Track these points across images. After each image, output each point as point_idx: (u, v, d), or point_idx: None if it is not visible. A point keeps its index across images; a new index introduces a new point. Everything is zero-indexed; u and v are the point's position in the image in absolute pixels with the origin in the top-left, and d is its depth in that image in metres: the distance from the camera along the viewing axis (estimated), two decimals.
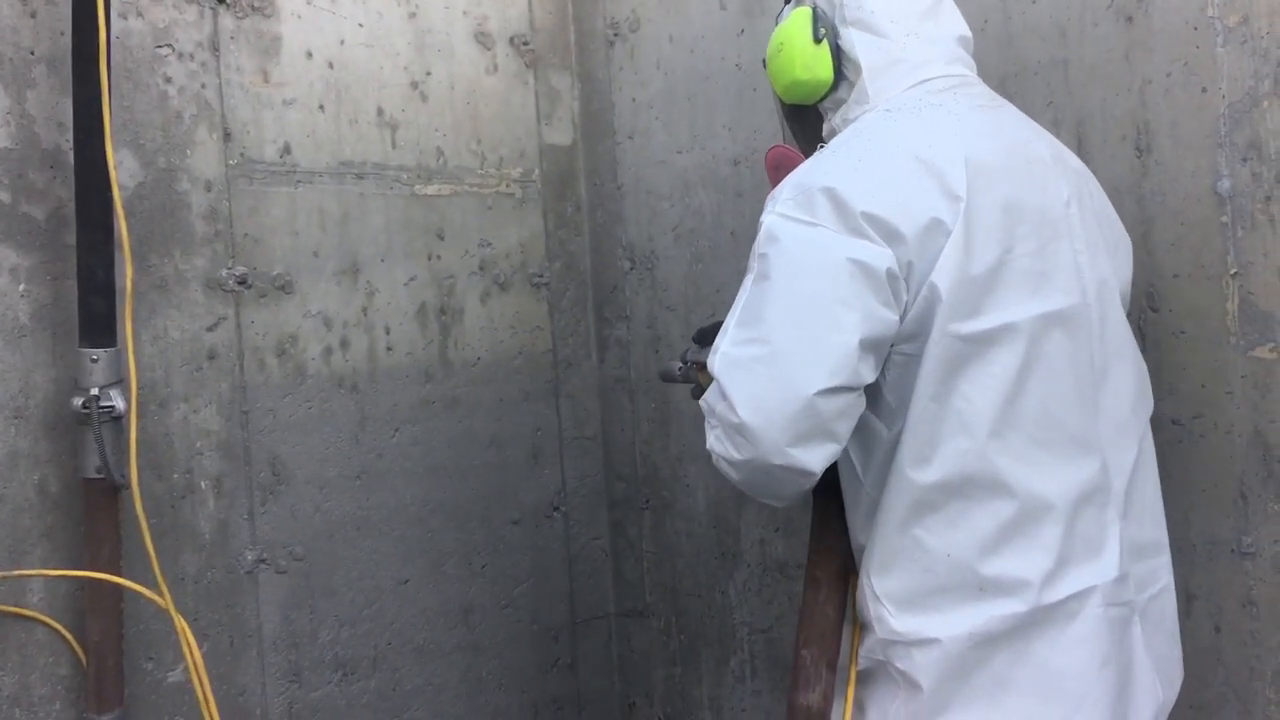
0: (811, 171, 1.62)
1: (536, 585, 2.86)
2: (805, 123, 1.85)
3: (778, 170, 1.89)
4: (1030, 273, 1.61)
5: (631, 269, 2.90)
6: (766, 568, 2.66)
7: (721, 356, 1.57)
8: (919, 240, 1.54)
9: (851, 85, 1.73)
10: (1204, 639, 1.93)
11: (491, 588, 2.77)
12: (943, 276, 1.54)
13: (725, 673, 2.77)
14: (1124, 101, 1.98)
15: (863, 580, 1.63)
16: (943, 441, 1.56)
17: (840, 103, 1.75)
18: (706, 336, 2.00)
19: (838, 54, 1.73)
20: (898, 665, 1.59)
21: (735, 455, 1.55)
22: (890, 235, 1.54)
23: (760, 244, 1.60)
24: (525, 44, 2.88)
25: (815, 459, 1.53)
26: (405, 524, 2.64)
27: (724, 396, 1.54)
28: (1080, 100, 2.03)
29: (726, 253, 2.66)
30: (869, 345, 1.54)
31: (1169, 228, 1.92)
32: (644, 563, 2.94)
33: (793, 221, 1.57)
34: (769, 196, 1.66)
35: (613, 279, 2.94)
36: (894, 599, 1.59)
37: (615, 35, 2.89)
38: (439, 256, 2.71)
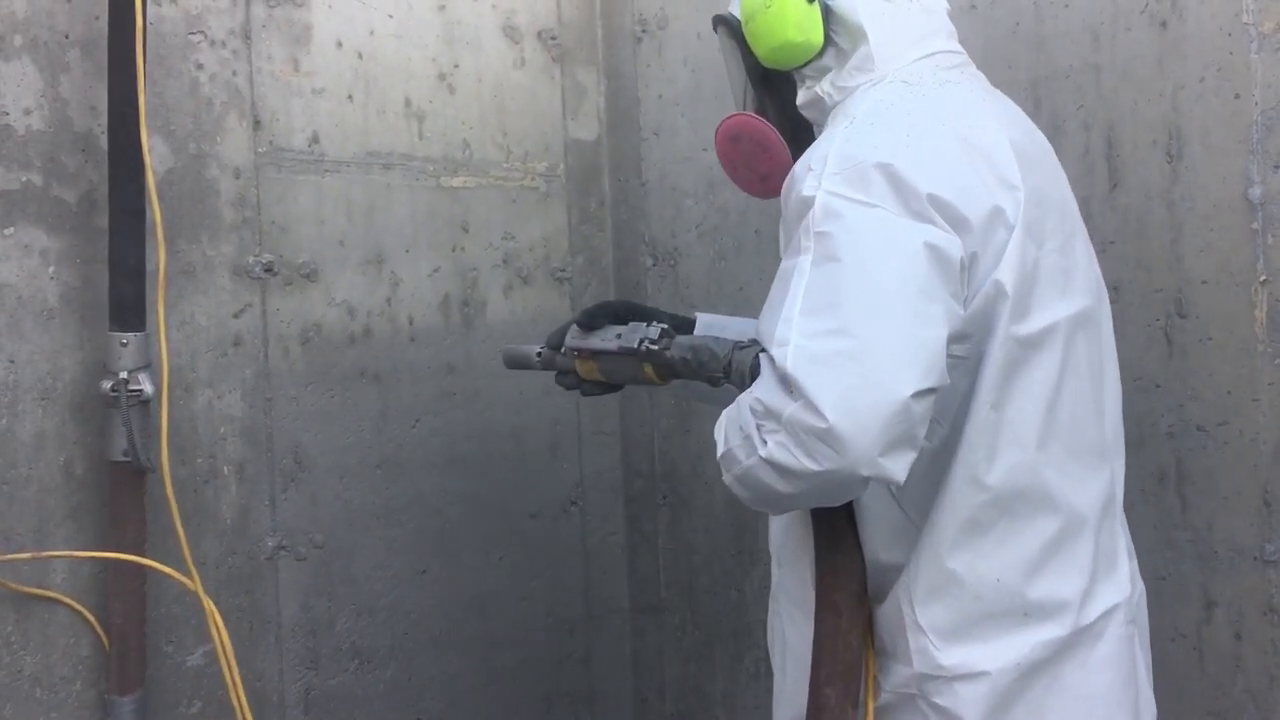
0: (855, 143, 1.45)
1: (552, 579, 2.87)
2: (778, 90, 1.67)
3: (736, 142, 1.68)
4: (1057, 270, 1.51)
5: (654, 266, 2.90)
6: None
7: (795, 350, 1.34)
8: (983, 230, 1.42)
9: (841, 51, 1.58)
10: (1224, 646, 1.93)
11: (508, 580, 2.78)
12: (1008, 273, 1.42)
13: (740, 670, 2.78)
14: (1155, 106, 1.97)
15: (900, 608, 1.48)
16: (999, 454, 1.44)
17: (825, 70, 1.60)
18: (596, 320, 1.76)
19: (827, 16, 1.57)
20: (936, 700, 1.46)
21: (811, 466, 1.31)
22: (957, 222, 1.40)
23: (816, 220, 1.40)
24: (553, 39, 2.89)
25: (902, 469, 1.34)
26: (424, 515, 2.65)
27: (798, 396, 1.32)
28: (1111, 104, 2.03)
29: (750, 251, 2.67)
30: (950, 341, 1.39)
31: (1198, 234, 1.92)
32: (660, 559, 2.94)
33: (847, 200, 1.39)
34: (800, 165, 1.49)
35: (635, 275, 2.95)
36: (940, 630, 1.45)
37: (643, 32, 2.90)
38: (463, 249, 2.72)
